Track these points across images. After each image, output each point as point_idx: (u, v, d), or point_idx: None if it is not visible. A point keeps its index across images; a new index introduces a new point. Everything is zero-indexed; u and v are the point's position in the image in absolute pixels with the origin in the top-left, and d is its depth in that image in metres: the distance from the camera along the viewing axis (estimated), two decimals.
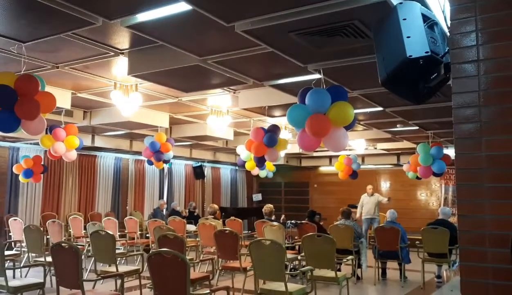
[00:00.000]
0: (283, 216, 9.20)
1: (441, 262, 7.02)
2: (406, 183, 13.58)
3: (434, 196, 13.94)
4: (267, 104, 6.41)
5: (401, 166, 11.10)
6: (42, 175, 8.35)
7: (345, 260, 6.27)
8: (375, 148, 11.88)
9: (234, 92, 6.36)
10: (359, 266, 7.15)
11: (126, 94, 5.79)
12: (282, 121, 8.00)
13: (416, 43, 2.24)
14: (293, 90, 5.18)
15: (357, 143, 10.37)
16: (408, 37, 2.27)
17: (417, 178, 9.51)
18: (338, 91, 4.13)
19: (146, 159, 8.39)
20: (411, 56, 2.24)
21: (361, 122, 7.97)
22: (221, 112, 7.42)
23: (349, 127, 4.22)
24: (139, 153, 10.61)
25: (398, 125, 8.05)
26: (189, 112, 7.90)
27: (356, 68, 4.28)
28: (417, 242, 7.27)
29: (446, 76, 2.37)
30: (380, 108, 6.39)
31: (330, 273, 5.29)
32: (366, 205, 10.73)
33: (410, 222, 12.11)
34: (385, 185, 14.84)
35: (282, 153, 8.63)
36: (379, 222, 10.60)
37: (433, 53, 2.24)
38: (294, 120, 4.20)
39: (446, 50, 2.32)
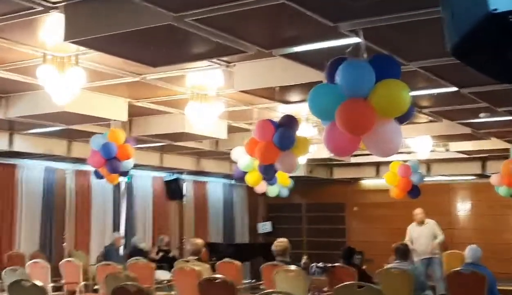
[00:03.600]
0: (305, 257, 9.22)
1: None
2: (496, 204, 13.54)
3: None
4: (278, 84, 6.43)
5: (488, 177, 11.09)
6: None
7: None
8: (447, 150, 11.85)
9: (228, 66, 6.38)
10: None
11: (61, 71, 5.79)
12: (302, 109, 8.03)
13: None
14: (318, 63, 5.18)
15: (419, 143, 10.38)
16: None
17: None
18: (386, 64, 4.16)
19: (92, 170, 8.40)
20: (495, 10, 2.27)
21: (424, 111, 7.97)
22: (207, 96, 7.44)
23: (404, 119, 4.24)
24: (81, 161, 10.62)
25: (481, 115, 8.06)
26: (158, 98, 7.92)
27: (413, 27, 4.30)
28: None
29: None
30: (452, 89, 6.38)
31: None
32: (417, 239, 10.74)
33: (504, 265, 12.09)
34: (462, 207, 14.80)
35: (302, 159, 8.67)
36: (441, 264, 10.60)
37: None
38: (320, 109, 4.22)
39: None
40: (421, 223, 10.84)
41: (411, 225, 10.97)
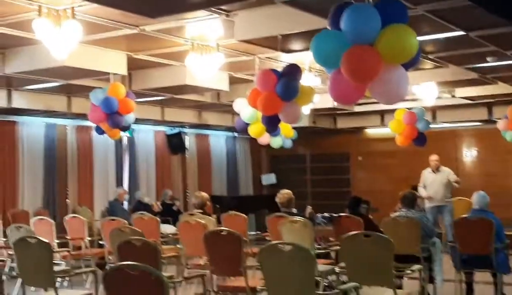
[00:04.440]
0: (309, 207, 9.28)
1: None
2: (503, 149, 13.56)
3: None
4: (280, 32, 6.38)
5: (495, 122, 11.07)
6: None
7: (409, 272, 6.35)
8: (453, 96, 11.82)
9: (228, 15, 6.33)
10: (431, 280, 7.25)
11: (58, 24, 5.75)
12: (304, 58, 7.96)
13: None
14: (321, 8, 5.14)
15: (424, 89, 10.32)
16: None
17: None
18: (392, 8, 4.10)
19: (94, 125, 8.37)
20: None
21: (430, 56, 7.93)
22: (208, 47, 7.39)
23: (410, 65, 4.20)
24: (82, 116, 10.58)
25: (489, 59, 8.04)
26: (158, 50, 7.88)
27: None
28: None
29: None
30: (460, 33, 6.36)
31: (387, 292, 5.37)
32: (430, 186, 10.82)
33: (509, 209, 12.15)
34: (469, 154, 14.83)
35: (306, 109, 8.62)
36: (453, 211, 10.69)
37: None
38: (324, 56, 4.17)
39: None
40: (436, 169, 10.86)
41: (426, 170, 11.02)
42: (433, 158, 10.97)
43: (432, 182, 10.83)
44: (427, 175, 10.97)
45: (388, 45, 3.98)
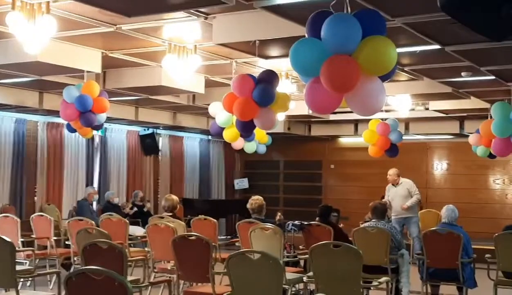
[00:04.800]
0: (279, 213, 9.27)
1: None
2: (473, 164, 13.72)
3: None
4: (259, 37, 6.35)
5: (466, 136, 11.18)
6: None
7: (377, 284, 6.35)
8: (426, 108, 11.92)
9: (206, 18, 6.30)
10: (398, 291, 7.27)
11: (32, 19, 5.64)
12: (282, 65, 7.94)
13: None
14: (300, 16, 5.12)
15: (398, 101, 10.39)
16: None
17: (490, 155, 9.55)
18: (372, 19, 4.09)
19: (65, 123, 8.25)
20: None
21: (406, 69, 7.96)
22: (185, 49, 7.36)
23: (387, 77, 4.20)
24: (54, 113, 10.49)
25: (463, 74, 8.09)
26: (134, 49, 7.82)
27: None
28: (487, 255, 7.37)
29: None
30: (436, 46, 6.38)
31: None
32: (392, 200, 10.92)
33: (478, 224, 12.30)
34: (440, 166, 14.96)
35: (281, 116, 8.61)
36: (418, 223, 10.78)
37: None
38: (303, 65, 4.15)
39: None
40: (396, 184, 10.92)
41: (388, 185, 11.10)
42: (390, 172, 11.01)
43: (393, 196, 10.93)
44: (389, 189, 11.08)
45: (368, 57, 3.97)
